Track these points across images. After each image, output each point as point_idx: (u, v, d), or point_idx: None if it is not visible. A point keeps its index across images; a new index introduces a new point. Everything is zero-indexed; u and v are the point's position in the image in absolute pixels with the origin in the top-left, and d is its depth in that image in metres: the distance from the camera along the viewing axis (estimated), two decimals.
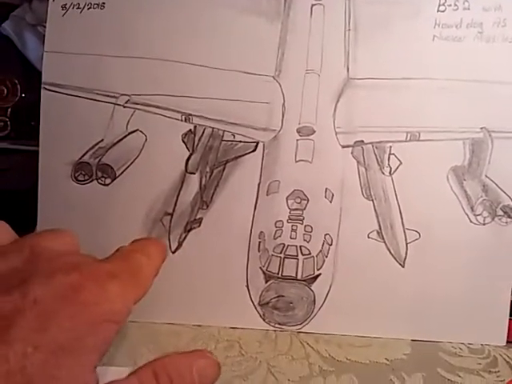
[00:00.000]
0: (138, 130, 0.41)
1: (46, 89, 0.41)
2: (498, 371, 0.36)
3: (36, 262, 0.22)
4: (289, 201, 0.40)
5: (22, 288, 0.20)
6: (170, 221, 0.41)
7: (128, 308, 0.23)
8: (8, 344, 0.18)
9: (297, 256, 0.40)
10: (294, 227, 0.40)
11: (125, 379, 0.22)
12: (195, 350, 0.25)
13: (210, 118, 0.41)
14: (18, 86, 0.50)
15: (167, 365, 0.22)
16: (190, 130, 0.41)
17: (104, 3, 0.41)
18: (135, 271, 0.25)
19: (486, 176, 0.39)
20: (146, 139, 0.41)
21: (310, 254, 0.40)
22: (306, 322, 0.40)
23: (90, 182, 0.41)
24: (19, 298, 0.20)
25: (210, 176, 0.41)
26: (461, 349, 0.38)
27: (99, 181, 0.41)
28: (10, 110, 0.49)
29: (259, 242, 0.40)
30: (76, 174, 0.41)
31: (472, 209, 0.39)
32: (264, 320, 0.40)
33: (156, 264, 0.27)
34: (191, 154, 0.41)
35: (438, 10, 0.40)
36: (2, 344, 0.18)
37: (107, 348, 0.22)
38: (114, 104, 0.41)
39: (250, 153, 0.41)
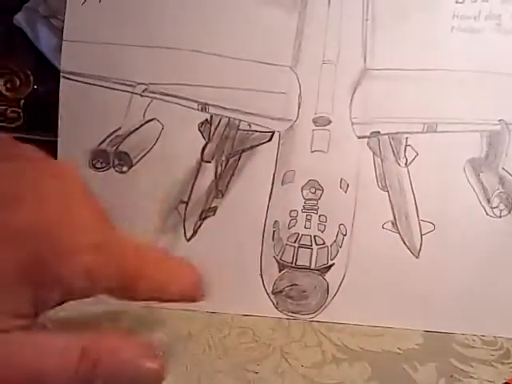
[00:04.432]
0: (154, 118, 0.41)
1: (64, 77, 0.42)
2: (511, 362, 0.36)
3: None
4: (304, 191, 0.40)
5: None
6: (185, 209, 0.41)
7: None
8: None
9: (311, 246, 0.40)
10: (309, 217, 0.40)
11: None
12: None
13: (226, 108, 0.41)
14: (31, 78, 0.50)
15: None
16: (207, 119, 0.41)
17: None
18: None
19: (503, 168, 0.39)
20: (163, 128, 0.41)
21: (324, 243, 0.40)
22: (319, 311, 0.40)
23: (107, 169, 0.42)
24: None
25: (226, 165, 0.41)
26: (474, 340, 0.38)
27: (116, 168, 0.42)
28: (22, 101, 0.50)
29: (273, 231, 0.40)
30: (93, 162, 0.42)
31: (488, 201, 0.39)
32: (277, 308, 0.41)
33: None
34: (207, 143, 0.41)
35: (456, 2, 0.39)
36: None
37: None
38: (132, 93, 0.41)
39: (265, 142, 0.41)
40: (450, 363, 0.36)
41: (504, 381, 0.34)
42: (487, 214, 0.39)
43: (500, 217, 0.39)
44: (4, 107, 0.50)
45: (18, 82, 0.49)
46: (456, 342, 0.38)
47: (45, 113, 0.50)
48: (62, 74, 0.42)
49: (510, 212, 0.39)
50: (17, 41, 0.51)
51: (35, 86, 0.50)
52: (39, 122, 0.50)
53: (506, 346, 0.38)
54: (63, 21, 0.42)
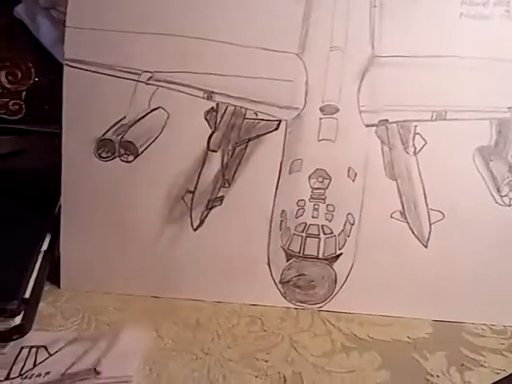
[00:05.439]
0: (160, 107, 0.41)
1: (68, 65, 0.41)
2: None
3: None
4: (311, 180, 0.40)
5: None
6: (192, 198, 0.41)
7: None
8: None
9: (318, 235, 0.40)
10: (316, 206, 0.40)
11: None
12: None
13: (232, 96, 0.41)
14: (32, 70, 0.49)
15: None
16: (213, 107, 0.41)
17: None
18: None
19: None
20: (169, 116, 0.41)
21: (331, 233, 0.40)
22: (327, 301, 0.40)
23: (113, 158, 0.41)
24: None
25: (232, 154, 0.41)
26: (483, 329, 0.38)
27: (122, 158, 0.41)
28: (24, 93, 0.50)
29: (281, 221, 0.40)
30: (99, 151, 0.41)
31: (498, 190, 0.39)
32: (285, 298, 0.40)
33: None
34: (213, 132, 0.41)
35: None
36: None
37: None
38: (137, 81, 0.41)
39: (272, 131, 0.40)
40: (461, 352, 0.36)
41: None
42: (496, 202, 0.39)
43: (510, 205, 0.39)
44: (6, 100, 0.50)
45: (19, 74, 0.49)
46: (465, 331, 0.38)
47: (46, 106, 0.49)
48: (65, 61, 0.41)
49: None
50: (17, 33, 0.51)
51: (36, 79, 0.49)
52: (41, 114, 0.50)
53: None
54: (63, 12, 0.41)
